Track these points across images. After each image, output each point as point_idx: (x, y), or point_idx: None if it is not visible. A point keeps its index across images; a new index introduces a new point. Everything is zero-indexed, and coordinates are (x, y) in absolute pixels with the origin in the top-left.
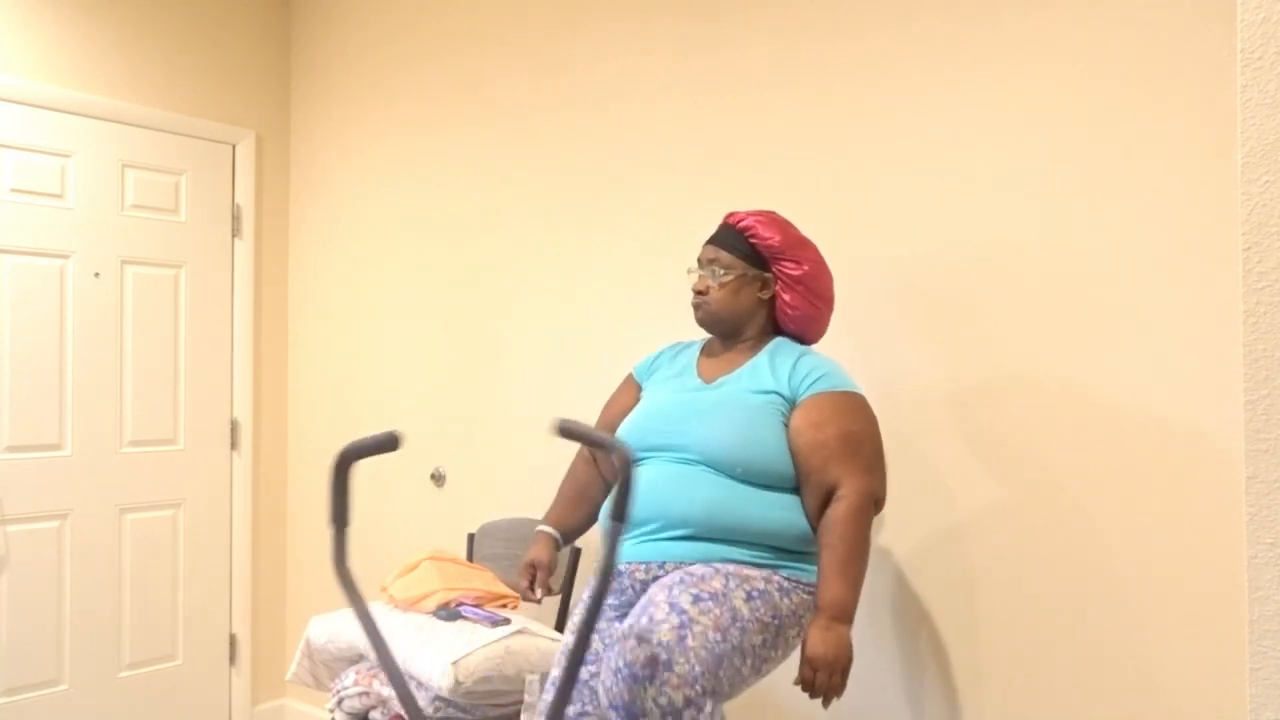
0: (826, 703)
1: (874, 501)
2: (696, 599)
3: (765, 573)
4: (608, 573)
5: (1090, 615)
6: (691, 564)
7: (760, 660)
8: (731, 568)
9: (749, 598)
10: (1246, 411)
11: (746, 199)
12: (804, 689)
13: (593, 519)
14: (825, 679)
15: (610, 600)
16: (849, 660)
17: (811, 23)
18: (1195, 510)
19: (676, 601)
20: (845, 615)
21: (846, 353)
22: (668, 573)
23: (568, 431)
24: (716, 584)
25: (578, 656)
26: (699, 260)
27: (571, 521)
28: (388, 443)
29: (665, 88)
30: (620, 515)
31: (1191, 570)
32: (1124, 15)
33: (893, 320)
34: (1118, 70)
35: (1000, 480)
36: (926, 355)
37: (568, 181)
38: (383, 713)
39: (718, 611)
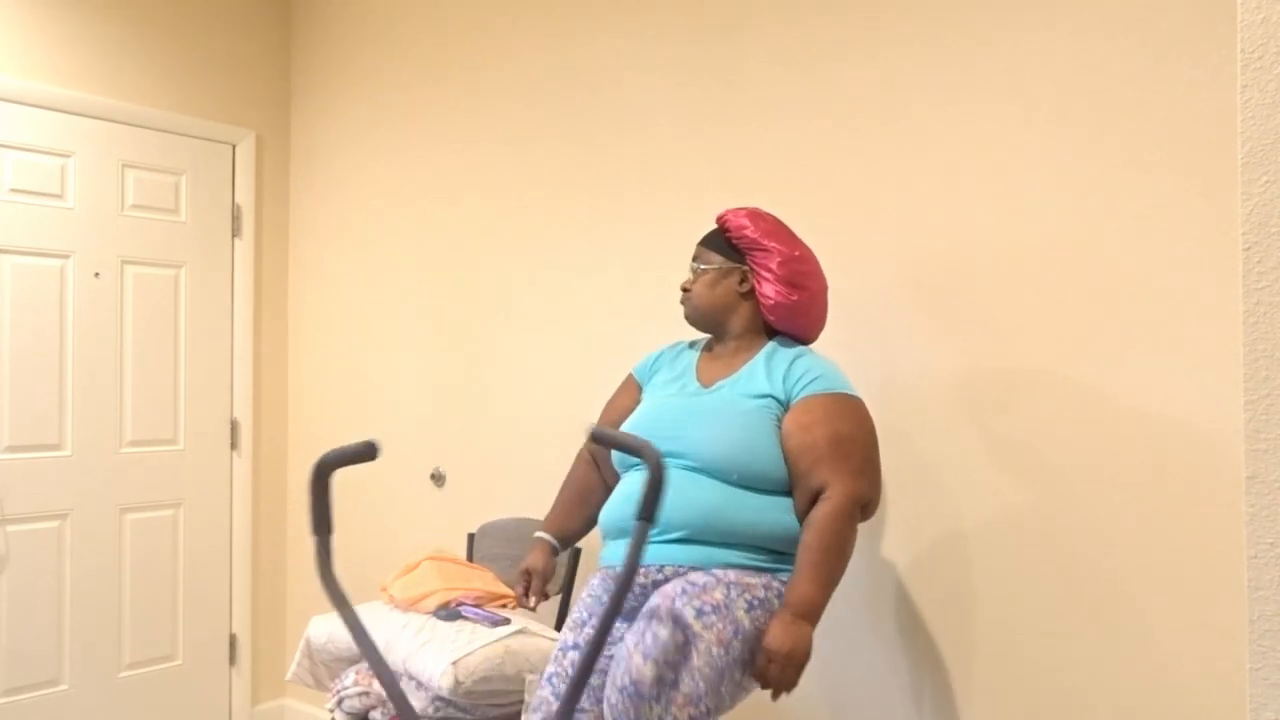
0: (776, 695)
1: (860, 505)
2: (700, 612)
3: (764, 578)
4: (631, 572)
5: (1091, 614)
6: (690, 568)
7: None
8: (733, 575)
9: (750, 608)
10: (1246, 411)
11: (751, 199)
12: (756, 678)
13: (592, 522)
14: (778, 671)
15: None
16: (806, 657)
17: (815, 23)
18: (1195, 510)
19: (681, 616)
20: (810, 614)
21: (849, 353)
22: (667, 577)
23: (601, 438)
24: (718, 595)
25: (592, 656)
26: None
27: (571, 526)
28: (366, 452)
29: (668, 88)
30: (649, 515)
31: (1192, 570)
32: (1124, 15)
33: (895, 320)
34: (1118, 70)
35: (1000, 479)
36: (928, 356)
37: (568, 181)
38: (383, 713)
39: (720, 625)
